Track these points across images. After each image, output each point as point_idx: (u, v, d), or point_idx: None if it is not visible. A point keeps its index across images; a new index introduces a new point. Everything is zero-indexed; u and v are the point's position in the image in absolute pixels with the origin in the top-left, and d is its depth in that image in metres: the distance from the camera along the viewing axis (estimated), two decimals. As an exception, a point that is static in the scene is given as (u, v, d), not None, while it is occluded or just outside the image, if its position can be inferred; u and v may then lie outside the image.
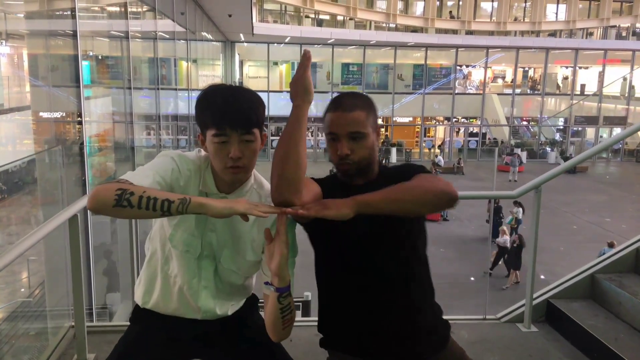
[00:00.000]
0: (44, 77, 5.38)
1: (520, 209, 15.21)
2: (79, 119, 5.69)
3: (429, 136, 29.82)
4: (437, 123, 30.17)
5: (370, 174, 1.58)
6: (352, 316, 1.57)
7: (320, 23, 27.39)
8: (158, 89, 9.44)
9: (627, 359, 2.35)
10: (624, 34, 31.01)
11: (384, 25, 26.98)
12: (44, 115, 5.50)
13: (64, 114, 5.91)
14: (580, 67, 29.82)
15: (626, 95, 29.05)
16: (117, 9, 7.92)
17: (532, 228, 3.00)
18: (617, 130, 29.41)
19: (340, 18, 27.01)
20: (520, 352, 2.65)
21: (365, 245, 1.53)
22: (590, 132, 29.38)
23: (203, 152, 1.55)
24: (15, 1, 5.23)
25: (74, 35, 5.16)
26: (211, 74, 20.64)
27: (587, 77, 30.42)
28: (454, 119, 29.09)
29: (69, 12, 5.27)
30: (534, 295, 2.98)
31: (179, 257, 1.54)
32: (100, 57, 7.05)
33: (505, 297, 9.93)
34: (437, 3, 27.19)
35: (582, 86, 29.90)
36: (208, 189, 1.52)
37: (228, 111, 1.42)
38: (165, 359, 1.66)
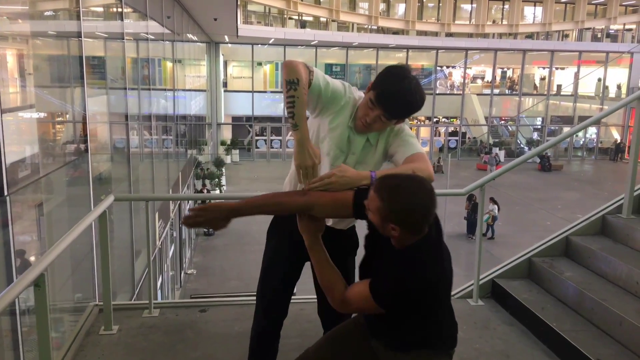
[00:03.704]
0: (51, 78, 5.70)
1: (496, 207, 15.94)
2: (60, 118, 6.04)
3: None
4: (419, 122, 30.90)
5: None
6: None
7: (303, 25, 27.86)
8: (142, 89, 9.75)
9: (549, 322, 2.93)
10: (598, 35, 32.02)
11: (366, 27, 27.57)
12: (48, 115, 5.78)
13: (69, 115, 6.22)
14: (556, 68, 30.76)
15: (600, 95, 30.08)
16: (101, 9, 8.26)
17: (480, 218, 3.59)
18: (593, 130, 30.44)
19: (323, 20, 27.53)
20: (467, 321, 3.22)
21: None
22: (566, 131, 30.34)
23: (358, 92, 2.05)
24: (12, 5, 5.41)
25: (79, 35, 5.54)
26: (196, 74, 20.93)
27: (563, 78, 31.41)
28: (435, 119, 29.84)
29: (74, 14, 5.63)
30: (483, 276, 3.57)
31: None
32: (87, 57, 7.27)
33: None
34: (418, 5, 27.86)
35: (559, 86, 30.86)
36: (353, 124, 1.99)
37: (390, 100, 1.88)
38: (293, 259, 2.17)
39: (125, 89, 8.07)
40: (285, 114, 1.88)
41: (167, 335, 3.00)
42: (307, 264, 2.27)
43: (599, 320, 2.87)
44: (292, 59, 1.93)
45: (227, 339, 2.99)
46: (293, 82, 1.82)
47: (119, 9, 7.91)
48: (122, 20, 7.92)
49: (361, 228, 2.30)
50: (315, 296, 2.31)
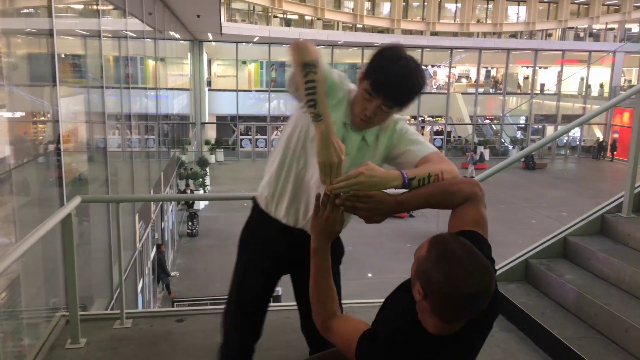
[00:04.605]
0: (22, 77, 5.47)
1: (482, 205, 15.89)
2: (43, 118, 5.81)
3: (396, 134, 30.39)
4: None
5: None
6: None
7: (288, 23, 27.61)
8: (124, 87, 9.50)
9: (549, 329, 2.76)
10: (581, 35, 32.28)
11: (352, 25, 27.43)
12: (20, 115, 5.57)
13: (38, 114, 5.99)
14: (540, 67, 30.95)
15: (583, 94, 30.33)
16: (77, 6, 8.00)
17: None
18: (576, 128, 30.64)
19: (308, 18, 27.31)
20: (463, 328, 3.04)
21: None
22: (550, 129, 30.57)
23: (351, 85, 1.78)
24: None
25: (50, 34, 5.30)
26: (179, 73, 20.60)
27: (547, 77, 31.61)
28: (420, 118, 29.83)
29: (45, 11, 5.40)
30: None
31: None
32: (63, 56, 7.09)
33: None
34: (403, 4, 27.79)
35: (542, 85, 31.05)
36: (349, 121, 1.74)
37: (389, 86, 1.61)
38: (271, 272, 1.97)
39: (102, 87, 7.81)
40: (304, 102, 1.59)
41: (140, 348, 2.76)
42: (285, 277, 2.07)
43: (603, 326, 2.71)
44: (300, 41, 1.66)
45: (206, 351, 2.75)
46: (311, 65, 1.56)
47: (96, 6, 7.64)
48: (99, 17, 7.65)
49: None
50: (298, 310, 2.09)
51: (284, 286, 2.20)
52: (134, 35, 10.71)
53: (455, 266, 1.23)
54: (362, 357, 1.37)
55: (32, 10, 5.96)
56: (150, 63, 13.34)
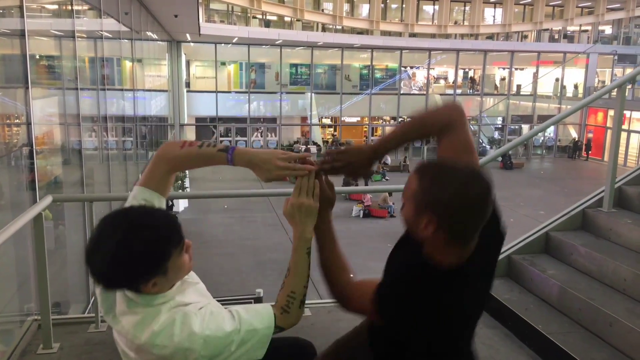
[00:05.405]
0: None
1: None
2: (17, 120, 5.67)
3: (376, 135, 30.57)
4: (384, 123, 31.00)
5: None
6: None
7: (267, 24, 27.48)
8: (100, 89, 9.32)
9: (534, 324, 2.75)
10: (556, 36, 32.83)
11: (331, 27, 27.45)
12: None
13: (11, 116, 5.84)
14: (516, 69, 31.40)
15: (558, 95, 30.85)
16: (56, 6, 7.83)
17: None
18: (551, 128, 31.12)
19: (287, 19, 27.23)
20: (448, 325, 3.01)
21: None
22: (526, 129, 30.99)
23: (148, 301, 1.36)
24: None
25: (22, 34, 5.15)
26: (157, 74, 20.32)
27: (523, 78, 32.09)
28: (400, 119, 29.99)
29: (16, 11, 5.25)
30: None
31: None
32: (37, 57, 6.93)
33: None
34: (382, 5, 27.90)
35: (518, 86, 31.50)
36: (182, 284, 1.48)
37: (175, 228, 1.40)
38: None
39: (77, 89, 7.64)
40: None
41: (116, 352, 2.65)
42: None
43: (588, 321, 2.70)
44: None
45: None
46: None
47: (70, 6, 7.47)
48: (73, 17, 7.48)
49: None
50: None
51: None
52: (110, 35, 10.53)
53: (457, 176, 1.23)
54: (379, 301, 1.35)
55: (3, 10, 5.81)
56: (127, 64, 13.13)
